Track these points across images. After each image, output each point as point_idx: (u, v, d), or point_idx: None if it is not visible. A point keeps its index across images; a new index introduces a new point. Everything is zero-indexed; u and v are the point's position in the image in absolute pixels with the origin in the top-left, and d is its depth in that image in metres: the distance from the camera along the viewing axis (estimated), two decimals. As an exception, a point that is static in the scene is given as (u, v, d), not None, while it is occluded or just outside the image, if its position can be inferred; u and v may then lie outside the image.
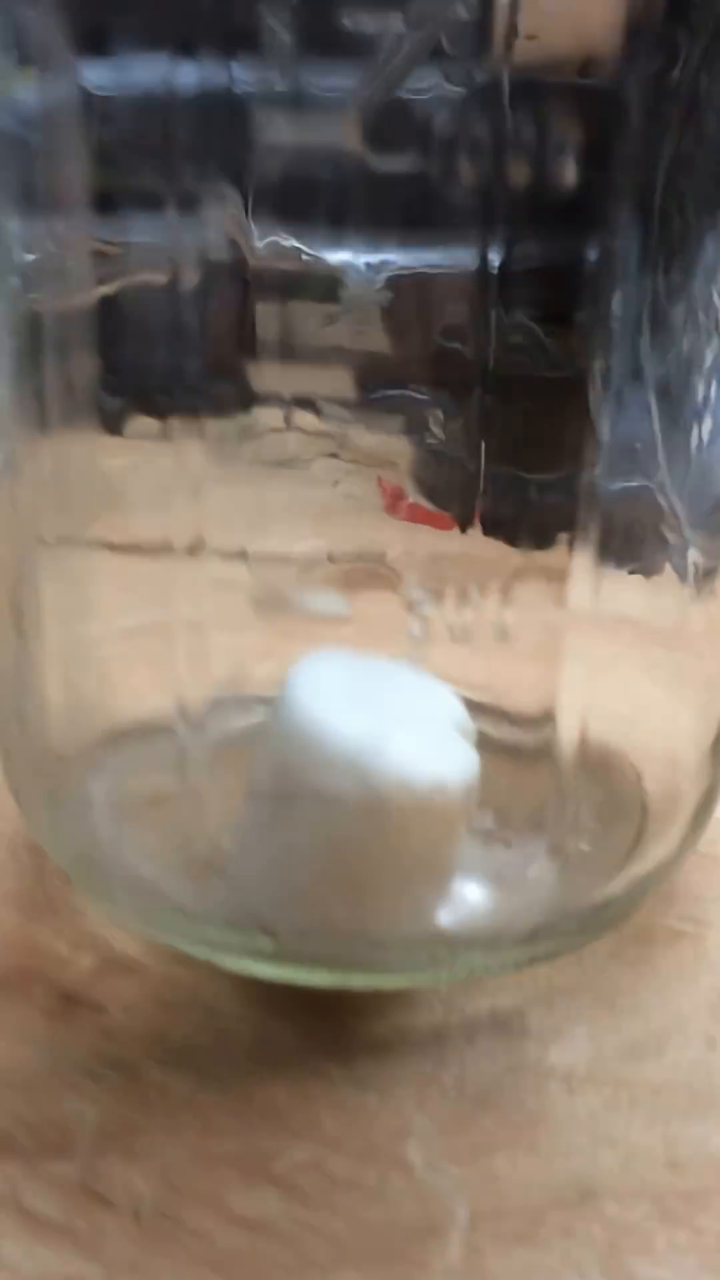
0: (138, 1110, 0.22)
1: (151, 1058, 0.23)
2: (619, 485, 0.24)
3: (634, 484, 0.24)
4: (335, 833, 0.22)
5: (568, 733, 0.25)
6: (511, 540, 0.27)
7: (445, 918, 0.24)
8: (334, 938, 0.23)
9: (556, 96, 0.23)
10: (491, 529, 0.27)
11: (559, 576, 0.25)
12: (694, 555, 0.25)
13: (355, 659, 0.25)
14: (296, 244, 0.24)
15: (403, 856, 0.23)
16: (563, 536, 0.25)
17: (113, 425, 0.25)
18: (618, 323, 0.23)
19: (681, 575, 0.25)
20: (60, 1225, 0.19)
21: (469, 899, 0.24)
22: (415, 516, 0.27)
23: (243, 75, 0.21)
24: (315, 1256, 0.19)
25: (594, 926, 0.25)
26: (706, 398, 0.24)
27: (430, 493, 0.26)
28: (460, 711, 0.24)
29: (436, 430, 0.24)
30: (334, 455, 0.25)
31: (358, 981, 0.24)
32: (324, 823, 0.22)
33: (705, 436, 0.24)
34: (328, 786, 0.22)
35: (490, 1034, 0.24)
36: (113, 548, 0.26)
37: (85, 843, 0.26)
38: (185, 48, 0.21)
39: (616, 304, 0.23)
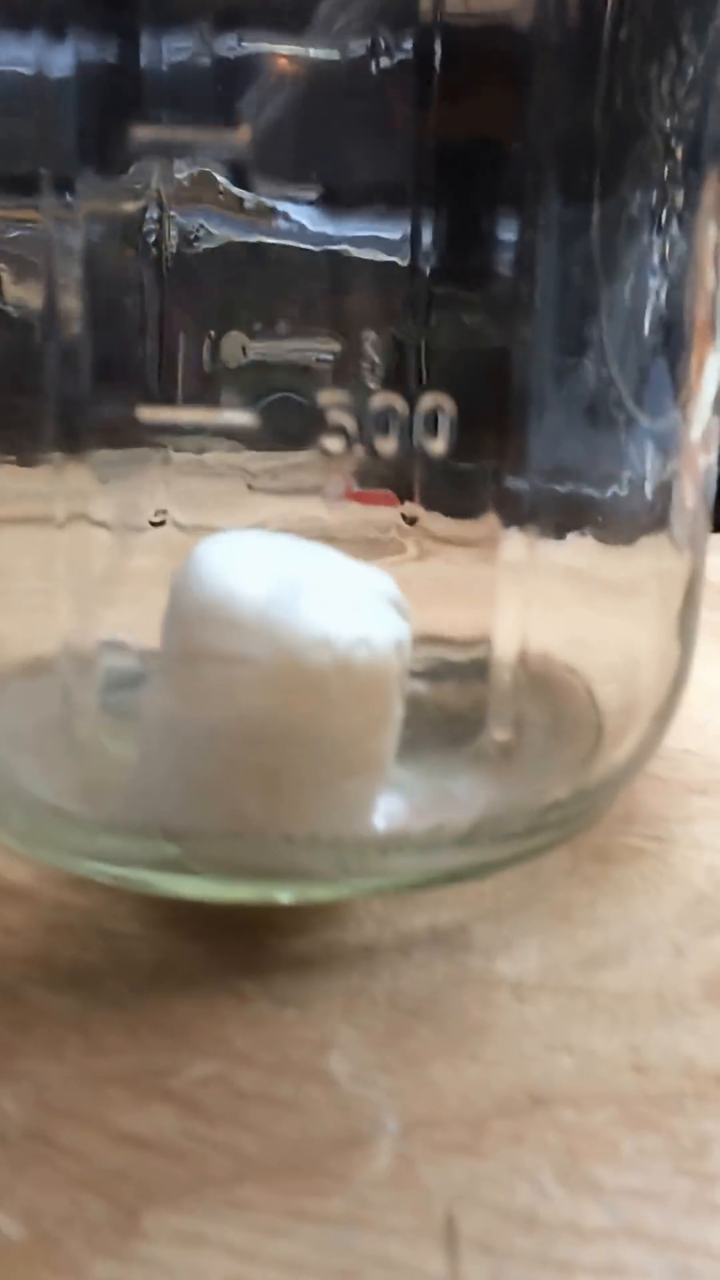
0: (12, 1032, 0.18)
1: (32, 979, 0.20)
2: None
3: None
4: (246, 707, 0.19)
5: (504, 648, 0.23)
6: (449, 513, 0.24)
7: (377, 815, 0.21)
8: (247, 841, 0.20)
9: (479, 56, 0.20)
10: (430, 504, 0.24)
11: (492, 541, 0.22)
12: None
13: (268, 535, 0.22)
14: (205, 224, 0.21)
15: (326, 734, 0.20)
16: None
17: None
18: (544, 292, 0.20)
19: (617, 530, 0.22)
20: None
21: (403, 794, 0.21)
22: (361, 499, 0.24)
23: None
24: (212, 1172, 0.16)
25: (542, 831, 0.22)
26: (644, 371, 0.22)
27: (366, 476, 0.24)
28: (390, 585, 0.21)
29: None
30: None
31: (275, 894, 0.21)
32: (233, 696, 0.19)
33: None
34: (235, 650, 0.19)
35: (429, 947, 0.21)
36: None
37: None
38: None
39: (543, 271, 0.20)
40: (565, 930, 0.22)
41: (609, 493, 0.24)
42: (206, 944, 0.21)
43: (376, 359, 0.21)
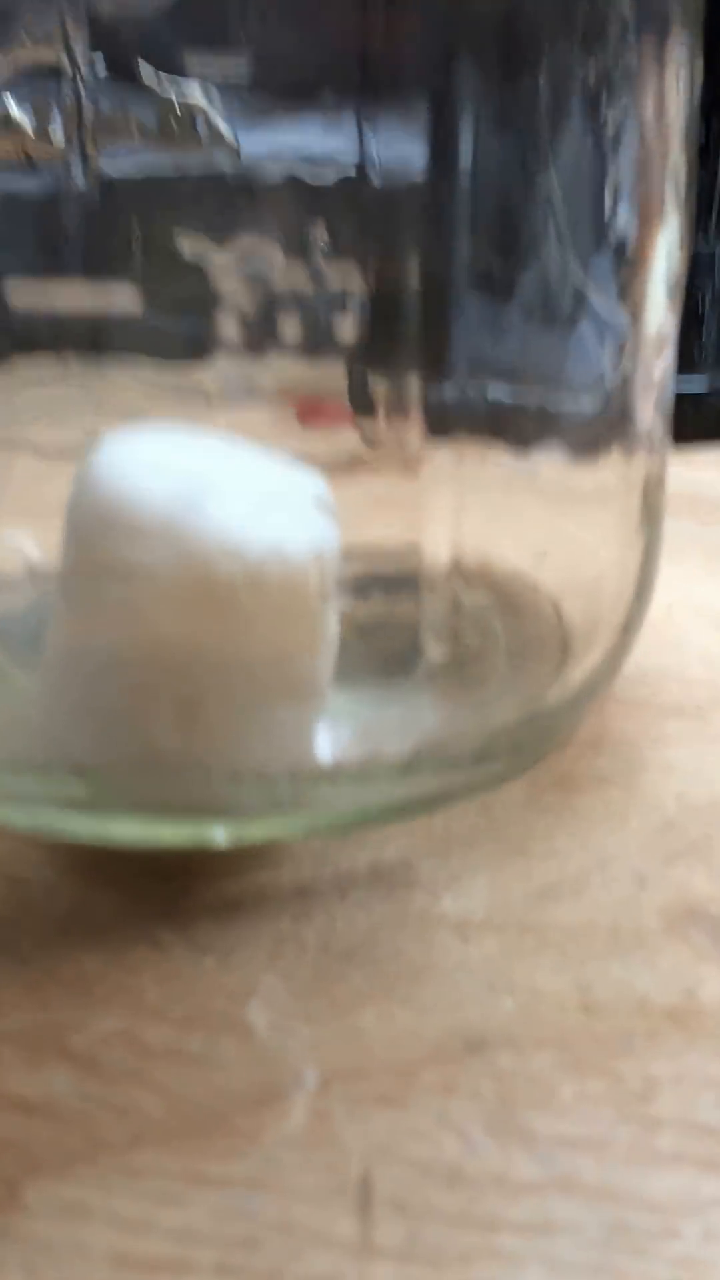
0: None
1: (-67, 935, 0.18)
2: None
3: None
4: (153, 626, 0.17)
5: (433, 562, 0.21)
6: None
7: (304, 744, 0.19)
8: (163, 775, 0.18)
9: None
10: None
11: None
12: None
13: (179, 431, 0.20)
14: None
15: (242, 656, 0.18)
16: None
17: None
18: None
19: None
20: None
21: (341, 722, 0.19)
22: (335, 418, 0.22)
23: None
24: (106, 1136, 0.14)
25: (491, 758, 0.20)
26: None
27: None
28: (318, 485, 0.19)
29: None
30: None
31: (191, 834, 0.19)
32: (137, 614, 0.18)
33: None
34: (138, 560, 0.17)
35: (368, 886, 0.19)
36: None
37: None
38: None
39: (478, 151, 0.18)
40: (519, 864, 0.20)
41: (562, 397, 0.22)
42: (124, 891, 0.19)
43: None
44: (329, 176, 0.19)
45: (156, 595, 0.18)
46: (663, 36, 0.21)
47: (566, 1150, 0.14)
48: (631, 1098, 0.15)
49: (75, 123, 0.19)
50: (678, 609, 0.28)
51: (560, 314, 0.21)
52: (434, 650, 0.21)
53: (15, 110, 0.18)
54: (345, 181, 0.19)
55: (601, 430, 0.22)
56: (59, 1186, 0.14)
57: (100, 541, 0.18)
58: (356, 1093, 0.15)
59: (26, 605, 0.21)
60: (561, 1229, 0.13)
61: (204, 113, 0.19)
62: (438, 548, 0.20)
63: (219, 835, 0.19)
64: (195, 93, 0.19)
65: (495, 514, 0.22)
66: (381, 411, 0.21)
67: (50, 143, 0.19)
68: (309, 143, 0.20)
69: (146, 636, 0.18)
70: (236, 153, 0.19)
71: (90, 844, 0.19)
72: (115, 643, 0.18)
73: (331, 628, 0.19)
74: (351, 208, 0.19)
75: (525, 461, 0.22)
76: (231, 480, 0.19)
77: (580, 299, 0.21)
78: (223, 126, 0.19)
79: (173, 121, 0.19)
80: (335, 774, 0.19)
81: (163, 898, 0.19)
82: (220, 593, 0.18)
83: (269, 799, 0.19)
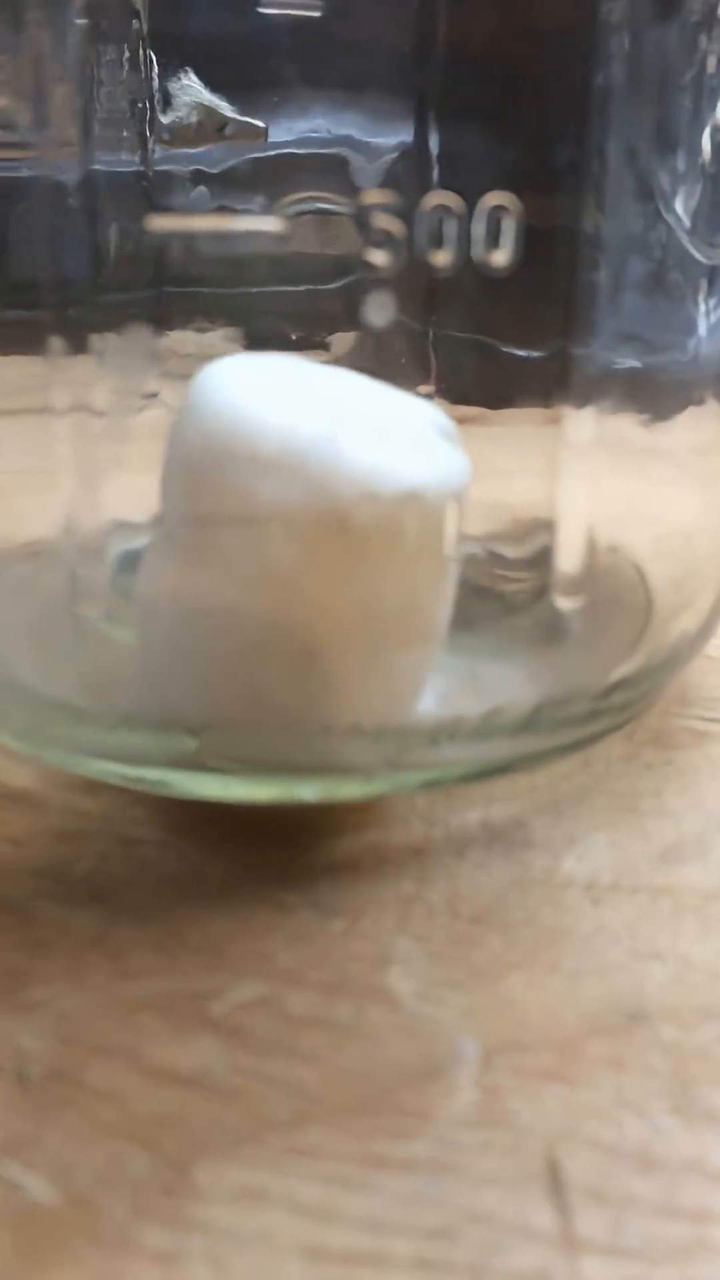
0: (26, 954, 0.16)
1: (46, 894, 0.17)
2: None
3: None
4: (274, 568, 0.16)
5: (570, 526, 0.20)
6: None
7: (421, 697, 0.18)
8: (275, 731, 0.17)
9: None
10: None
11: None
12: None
13: (287, 360, 0.18)
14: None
15: (367, 600, 0.17)
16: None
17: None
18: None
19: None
20: None
21: (448, 676, 0.19)
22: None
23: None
24: (271, 1113, 0.13)
25: (603, 714, 0.19)
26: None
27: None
28: (439, 415, 0.18)
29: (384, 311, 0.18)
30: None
31: (309, 791, 0.18)
32: (259, 558, 0.16)
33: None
34: (262, 499, 0.16)
35: (485, 847, 0.18)
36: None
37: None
38: None
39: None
40: (634, 822, 0.19)
41: (663, 360, 0.21)
42: (236, 850, 0.18)
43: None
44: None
45: (279, 536, 0.16)
46: None
47: (759, 1132, 0.14)
48: None
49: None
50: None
51: (674, 277, 0.20)
52: (561, 604, 0.20)
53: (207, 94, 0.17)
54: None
55: (697, 391, 0.21)
56: (230, 1169, 0.13)
57: (217, 476, 0.17)
58: (522, 1067, 0.14)
59: (133, 560, 0.20)
60: (776, 1218, 0.13)
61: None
62: (573, 505, 0.19)
63: (337, 792, 0.18)
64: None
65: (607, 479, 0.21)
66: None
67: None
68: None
69: (265, 581, 0.17)
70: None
71: (198, 801, 0.18)
72: (226, 590, 0.17)
73: (455, 569, 0.18)
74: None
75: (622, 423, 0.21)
76: (357, 411, 0.18)
77: (693, 260, 0.20)
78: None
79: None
80: (453, 731, 0.18)
81: (277, 858, 0.18)
82: (353, 536, 0.16)
83: (385, 757, 0.18)
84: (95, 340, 0.18)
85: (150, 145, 0.19)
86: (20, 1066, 0.14)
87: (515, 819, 0.19)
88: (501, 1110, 0.14)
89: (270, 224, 0.17)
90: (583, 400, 0.18)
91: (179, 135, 0.19)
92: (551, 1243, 0.12)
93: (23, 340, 0.18)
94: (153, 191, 0.18)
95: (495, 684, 0.20)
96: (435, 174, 0.18)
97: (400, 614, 0.17)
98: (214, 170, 0.19)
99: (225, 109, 0.19)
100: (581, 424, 0.19)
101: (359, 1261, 0.12)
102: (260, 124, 0.19)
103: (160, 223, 0.17)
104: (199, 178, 0.19)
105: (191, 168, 0.19)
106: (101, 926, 0.17)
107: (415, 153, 0.18)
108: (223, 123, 0.19)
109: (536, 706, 0.19)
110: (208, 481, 0.16)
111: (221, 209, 0.18)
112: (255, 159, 0.19)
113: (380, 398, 0.18)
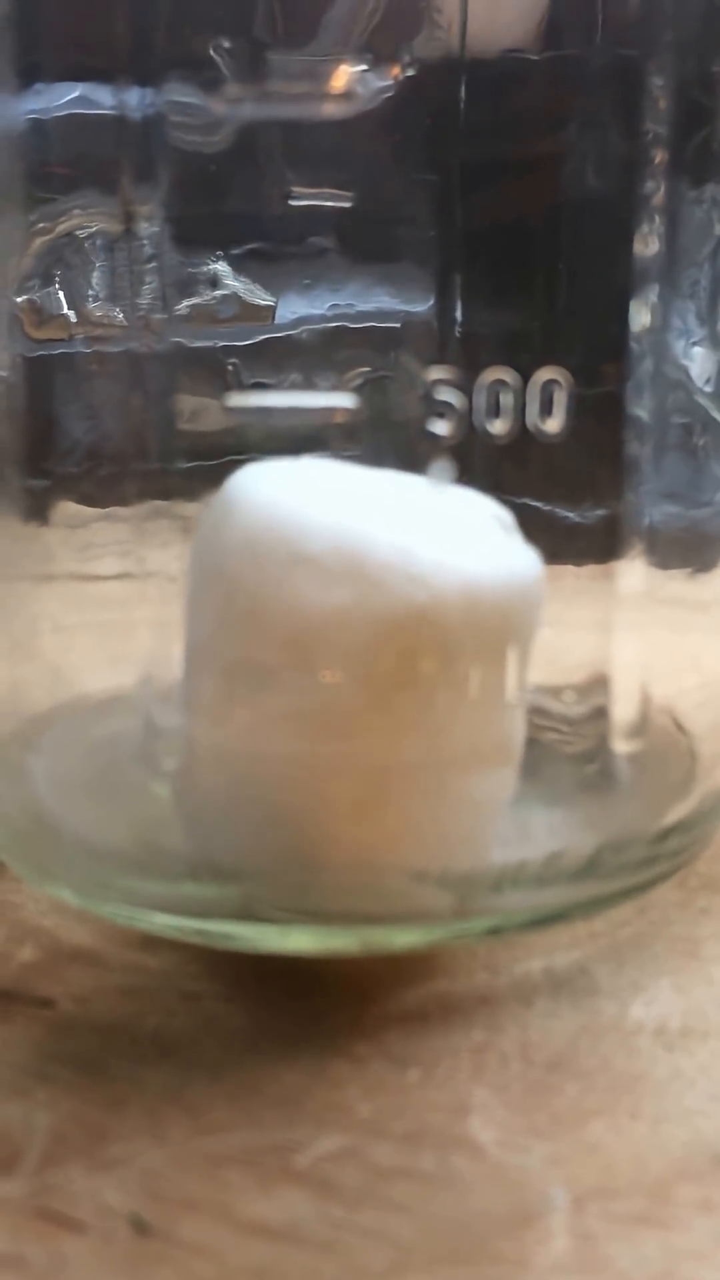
0: (104, 1111, 0.16)
1: (117, 1051, 0.17)
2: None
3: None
4: (324, 682, 0.15)
5: (624, 682, 0.20)
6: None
7: (489, 840, 0.18)
8: (326, 876, 0.17)
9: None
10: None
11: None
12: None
13: (325, 461, 0.18)
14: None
15: (432, 714, 0.16)
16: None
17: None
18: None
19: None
20: (8, 1256, 0.13)
21: (511, 816, 0.19)
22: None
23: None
24: (369, 1264, 0.13)
25: (659, 859, 0.20)
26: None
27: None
28: (497, 508, 0.17)
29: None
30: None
31: (362, 941, 0.18)
32: (305, 665, 0.15)
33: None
34: (311, 604, 0.15)
35: (551, 994, 0.18)
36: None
37: (24, 818, 0.20)
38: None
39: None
40: (697, 968, 0.19)
41: (698, 514, 0.22)
42: (301, 1002, 0.18)
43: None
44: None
45: (329, 640, 0.15)
46: None
47: None
48: None
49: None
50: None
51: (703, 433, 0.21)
52: (619, 748, 0.20)
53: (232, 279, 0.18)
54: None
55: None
56: (332, 1321, 0.13)
57: (256, 579, 0.15)
58: (613, 1212, 0.14)
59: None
60: None
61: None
62: (626, 656, 0.20)
63: (394, 942, 0.18)
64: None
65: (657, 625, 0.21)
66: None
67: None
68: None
69: (303, 703, 0.16)
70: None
71: (252, 953, 0.18)
72: (266, 708, 0.16)
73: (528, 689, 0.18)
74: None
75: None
76: (411, 506, 0.17)
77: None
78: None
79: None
80: (519, 875, 0.19)
81: (343, 1008, 0.18)
82: (409, 632, 0.15)
83: (452, 902, 0.18)
84: (175, 506, 0.18)
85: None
86: (107, 1223, 0.14)
87: (578, 966, 0.19)
88: (600, 1256, 0.14)
89: (342, 399, 0.18)
90: (632, 555, 0.19)
91: (204, 314, 0.20)
92: None
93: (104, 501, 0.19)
94: (238, 370, 0.19)
95: (548, 829, 0.20)
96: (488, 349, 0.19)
97: (469, 730, 0.17)
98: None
99: (260, 294, 0.20)
100: (633, 577, 0.19)
101: None
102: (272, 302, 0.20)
103: (239, 400, 0.18)
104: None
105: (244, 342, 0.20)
106: (175, 1082, 0.17)
107: (470, 328, 0.19)
108: (266, 310, 0.20)
109: (597, 850, 0.19)
110: (246, 586, 0.15)
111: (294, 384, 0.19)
112: (307, 333, 0.19)
113: (433, 493, 0.17)
